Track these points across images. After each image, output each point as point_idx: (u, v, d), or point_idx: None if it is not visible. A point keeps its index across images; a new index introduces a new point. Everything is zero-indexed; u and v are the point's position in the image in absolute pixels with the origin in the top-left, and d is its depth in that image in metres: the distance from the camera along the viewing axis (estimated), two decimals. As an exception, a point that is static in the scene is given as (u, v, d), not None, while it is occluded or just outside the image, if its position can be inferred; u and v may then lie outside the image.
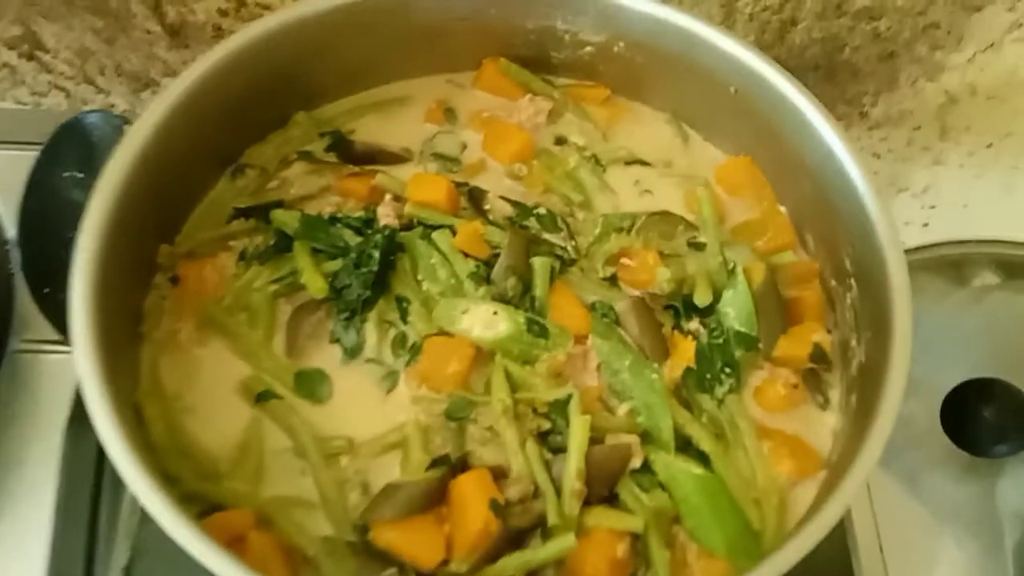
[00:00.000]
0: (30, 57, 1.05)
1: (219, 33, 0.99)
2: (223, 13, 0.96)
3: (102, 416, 0.56)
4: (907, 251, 1.09)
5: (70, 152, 0.85)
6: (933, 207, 1.13)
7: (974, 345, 1.04)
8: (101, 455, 0.75)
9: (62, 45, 1.03)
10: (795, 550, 0.52)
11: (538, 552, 0.59)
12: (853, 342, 0.68)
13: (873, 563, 0.81)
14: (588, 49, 0.79)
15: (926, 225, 1.12)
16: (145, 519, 0.73)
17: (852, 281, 0.68)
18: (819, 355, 0.69)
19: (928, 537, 0.99)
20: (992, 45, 0.98)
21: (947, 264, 1.09)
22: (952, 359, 1.01)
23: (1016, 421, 0.96)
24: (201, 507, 0.61)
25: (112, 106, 1.06)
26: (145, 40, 1.01)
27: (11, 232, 0.86)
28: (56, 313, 0.81)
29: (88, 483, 0.74)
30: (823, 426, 0.69)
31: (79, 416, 0.76)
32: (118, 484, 0.76)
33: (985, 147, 1.08)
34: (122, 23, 0.99)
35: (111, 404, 0.56)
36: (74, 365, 0.58)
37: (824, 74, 1.02)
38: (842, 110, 1.07)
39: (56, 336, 0.80)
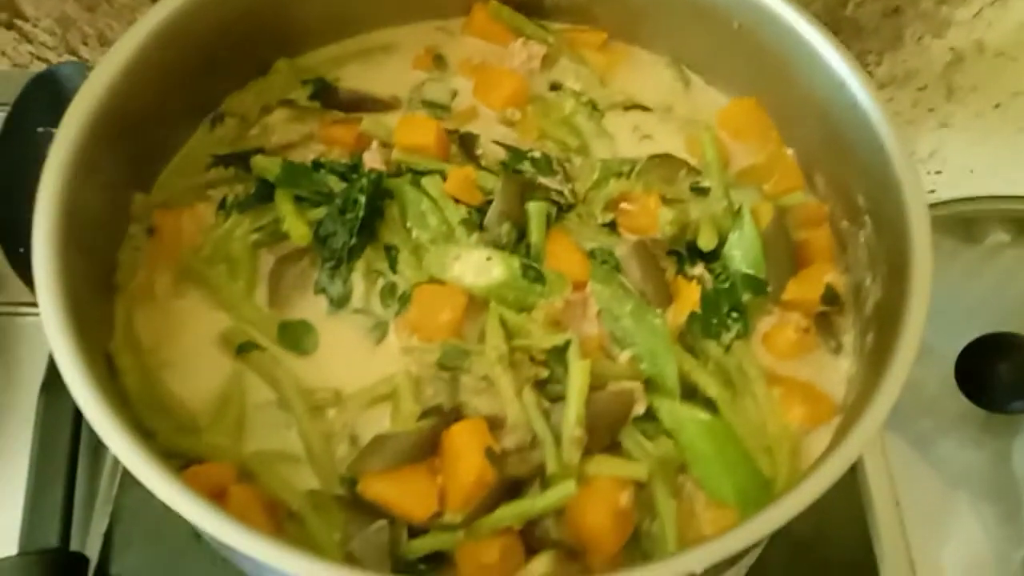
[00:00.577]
0: (9, 26, 1.04)
1: (203, -6, 0.99)
2: (206, -26, 0.95)
3: (70, 367, 0.54)
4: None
5: (42, 106, 0.82)
6: (939, 172, 1.14)
7: (987, 304, 1.05)
8: (77, 419, 0.75)
9: (42, 13, 1.02)
10: (807, 492, 0.49)
11: (536, 501, 0.56)
12: (868, 281, 0.65)
13: (891, 529, 0.79)
14: (583, -11, 0.78)
15: (932, 191, 1.12)
16: (124, 485, 0.74)
17: (866, 218, 0.66)
18: (831, 297, 0.67)
19: (944, 503, 1.00)
20: (999, -3, 0.96)
21: (958, 222, 1.08)
22: (964, 320, 1.01)
23: (1034, 376, 0.94)
24: (180, 462, 0.59)
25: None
26: (128, 6, 1.00)
27: (-18, 191, 0.85)
28: (31, 274, 0.80)
29: (64, 447, 0.73)
30: (836, 372, 0.67)
31: (54, 379, 0.75)
32: (97, 450, 0.76)
33: (992, 108, 1.07)
34: (103, -11, 0.98)
35: (80, 355, 0.54)
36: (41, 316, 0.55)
37: (827, 32, 1.03)
38: (847, 68, 1.09)
39: (31, 298, 0.79)
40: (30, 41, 1.07)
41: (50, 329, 0.55)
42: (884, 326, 0.59)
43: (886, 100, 1.06)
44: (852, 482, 0.79)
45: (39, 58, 1.08)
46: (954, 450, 1.02)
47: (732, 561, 0.48)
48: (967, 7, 0.97)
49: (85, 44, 1.06)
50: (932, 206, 1.08)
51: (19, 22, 1.04)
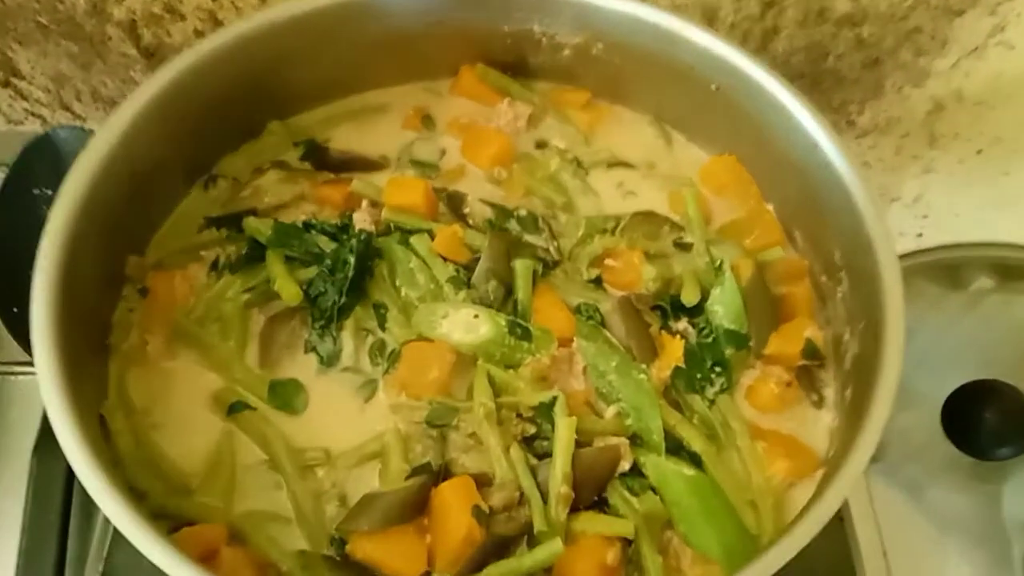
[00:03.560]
0: (5, 84, 1.06)
1: (195, 55, 1.02)
2: (199, 34, 0.97)
3: (65, 429, 0.56)
4: (902, 256, 1.11)
5: (40, 169, 0.84)
6: (926, 216, 1.14)
7: (971, 350, 1.05)
8: (70, 478, 0.75)
9: (37, 71, 1.04)
10: (789, 546, 0.51)
11: (524, 560, 0.58)
12: (846, 336, 0.67)
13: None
14: (566, 52, 0.80)
15: (920, 235, 1.12)
16: (115, 544, 0.74)
17: (843, 274, 0.68)
18: (812, 351, 0.68)
19: (933, 549, 0.99)
20: (976, 49, 0.98)
21: (942, 269, 1.09)
22: (950, 366, 1.01)
23: (1017, 423, 0.95)
24: (172, 523, 0.60)
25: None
26: (121, 64, 1.02)
27: (-22, 252, 0.87)
28: (25, 334, 0.81)
29: (56, 506, 0.74)
30: (819, 425, 0.69)
31: (47, 438, 0.75)
32: (88, 508, 0.77)
33: (975, 154, 1.08)
34: (97, 47, 1.00)
35: (75, 417, 0.56)
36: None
37: (809, 82, 1.02)
38: (829, 118, 1.04)
39: (25, 357, 0.80)
40: (25, 98, 1.08)
41: (45, 390, 0.57)
42: (862, 380, 0.60)
43: (869, 147, 1.09)
44: (840, 531, 0.80)
45: (33, 114, 1.10)
46: (944, 496, 1.01)
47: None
48: (944, 58, 0.99)
49: (79, 100, 1.07)
50: (917, 253, 1.11)
51: (15, 80, 1.05)
